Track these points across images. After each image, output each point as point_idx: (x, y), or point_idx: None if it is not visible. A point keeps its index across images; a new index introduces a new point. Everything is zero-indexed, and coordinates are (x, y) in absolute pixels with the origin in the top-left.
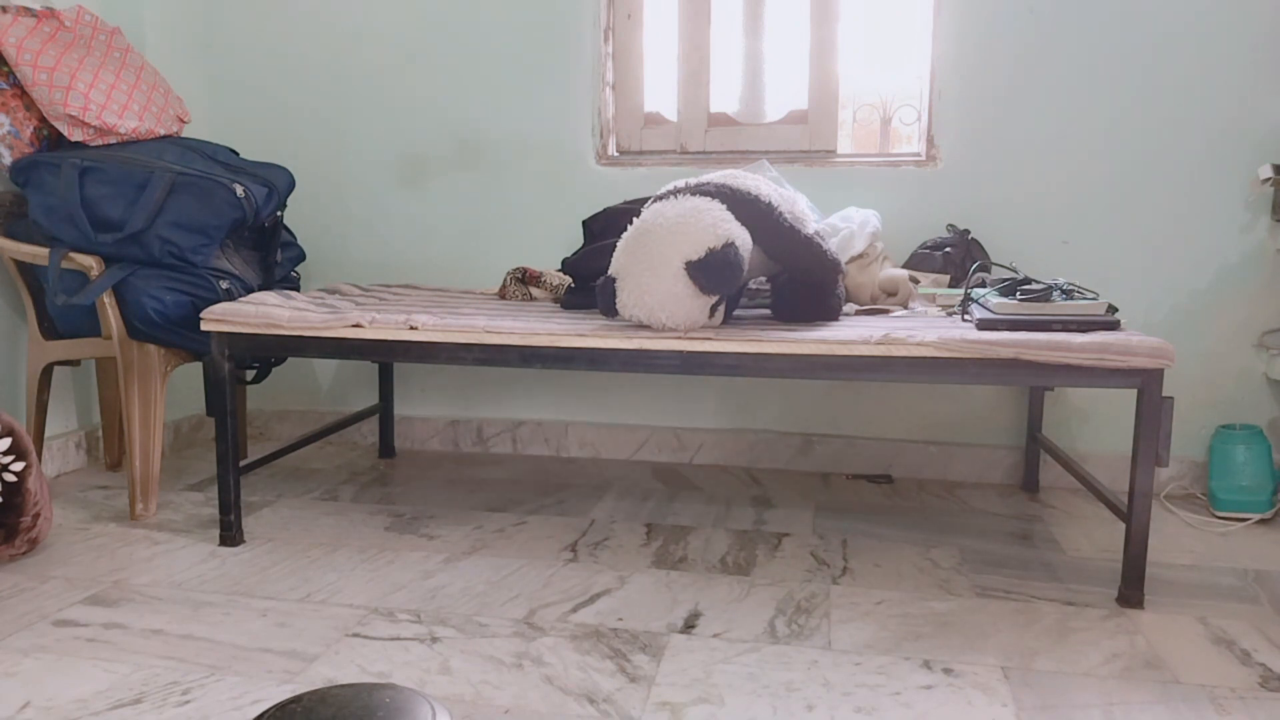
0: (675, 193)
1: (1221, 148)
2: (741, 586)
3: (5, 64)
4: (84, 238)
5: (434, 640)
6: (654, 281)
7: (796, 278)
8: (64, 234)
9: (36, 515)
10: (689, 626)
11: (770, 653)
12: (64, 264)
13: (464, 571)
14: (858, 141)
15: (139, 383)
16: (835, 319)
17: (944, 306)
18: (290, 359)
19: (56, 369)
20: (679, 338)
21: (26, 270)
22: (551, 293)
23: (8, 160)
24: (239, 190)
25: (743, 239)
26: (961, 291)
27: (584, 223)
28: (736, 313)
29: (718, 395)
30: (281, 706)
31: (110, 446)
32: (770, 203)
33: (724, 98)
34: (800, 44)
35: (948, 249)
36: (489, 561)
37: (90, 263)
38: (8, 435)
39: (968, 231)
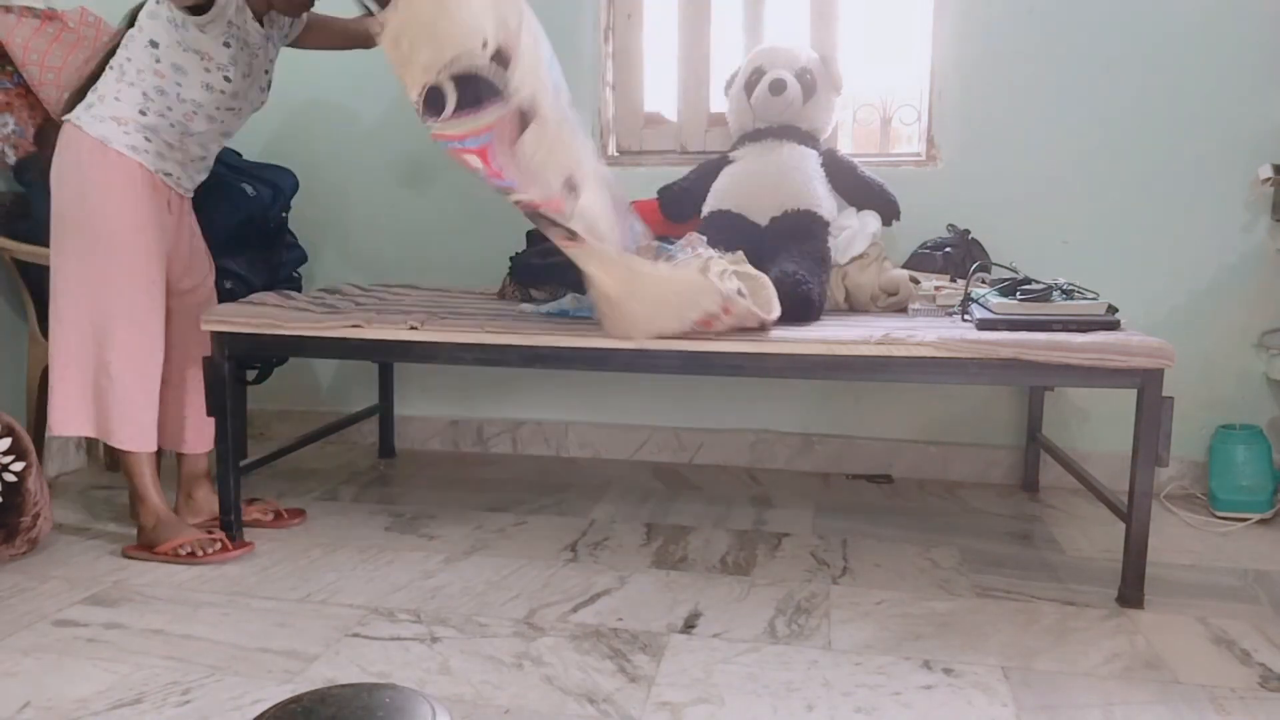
0: None
1: (1221, 148)
2: (741, 586)
3: (10, 64)
4: None
5: (434, 640)
6: None
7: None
8: None
9: (36, 515)
10: (689, 626)
11: (770, 653)
12: None
13: (464, 571)
14: (858, 141)
15: None
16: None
17: (943, 306)
18: (291, 359)
19: None
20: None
21: (28, 270)
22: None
23: (12, 160)
24: (248, 190)
25: None
26: (961, 290)
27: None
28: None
29: (717, 395)
30: (282, 706)
31: (110, 446)
32: None
33: (724, 98)
34: (800, 44)
35: (948, 249)
36: (489, 561)
37: None
38: (8, 435)
39: (968, 231)
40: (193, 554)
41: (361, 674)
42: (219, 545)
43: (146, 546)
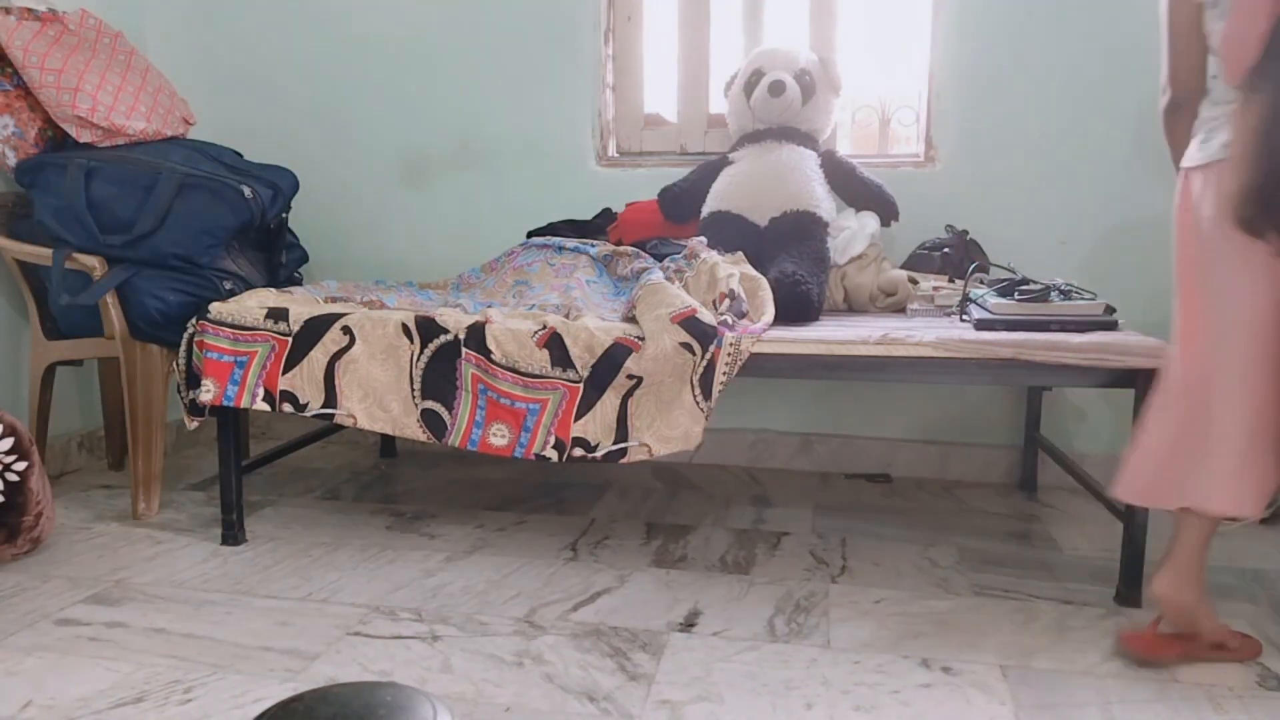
0: None
1: None
2: (741, 585)
3: (9, 66)
4: (91, 239)
5: (435, 639)
6: None
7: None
8: (71, 235)
9: (39, 515)
10: (689, 625)
11: (769, 651)
12: (67, 264)
13: (465, 570)
14: (856, 143)
15: (141, 382)
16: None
17: (942, 307)
18: None
19: (59, 369)
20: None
21: (29, 270)
22: None
23: (13, 161)
24: (246, 191)
25: None
26: (959, 291)
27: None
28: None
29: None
30: (283, 705)
31: (112, 446)
32: None
33: (723, 99)
34: (799, 46)
35: (946, 250)
36: (490, 560)
37: (93, 263)
38: (10, 435)
39: (966, 232)
40: (1222, 645)
41: (363, 672)
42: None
43: (1188, 645)
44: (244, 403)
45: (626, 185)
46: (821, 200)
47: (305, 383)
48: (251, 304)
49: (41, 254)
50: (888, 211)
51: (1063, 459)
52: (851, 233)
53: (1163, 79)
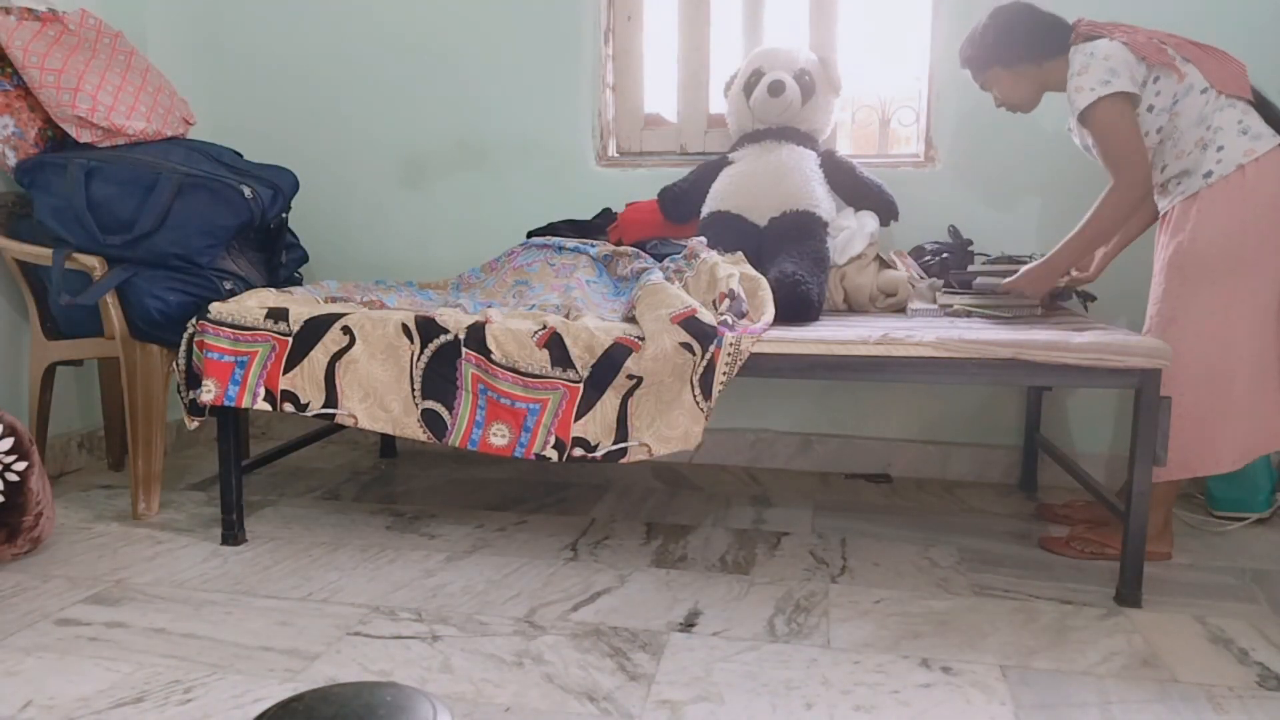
0: None
1: None
2: (741, 585)
3: (9, 66)
4: (91, 239)
5: (435, 639)
6: None
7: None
8: (71, 235)
9: (39, 514)
10: (689, 625)
11: (769, 651)
12: (67, 264)
13: (465, 570)
14: (856, 143)
15: (141, 382)
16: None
17: (943, 306)
18: None
19: (59, 369)
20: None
21: (29, 270)
22: None
23: (12, 161)
24: (247, 192)
25: None
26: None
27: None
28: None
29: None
30: (283, 705)
31: (112, 446)
32: None
33: (723, 99)
34: (799, 46)
35: (945, 254)
36: (490, 560)
37: (93, 263)
38: (10, 435)
39: (970, 241)
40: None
41: (363, 672)
42: None
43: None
44: (245, 403)
45: (626, 185)
46: (821, 200)
47: (306, 382)
48: (251, 304)
49: (41, 254)
50: (887, 211)
51: (1063, 459)
52: (851, 233)
53: (1139, 182)
